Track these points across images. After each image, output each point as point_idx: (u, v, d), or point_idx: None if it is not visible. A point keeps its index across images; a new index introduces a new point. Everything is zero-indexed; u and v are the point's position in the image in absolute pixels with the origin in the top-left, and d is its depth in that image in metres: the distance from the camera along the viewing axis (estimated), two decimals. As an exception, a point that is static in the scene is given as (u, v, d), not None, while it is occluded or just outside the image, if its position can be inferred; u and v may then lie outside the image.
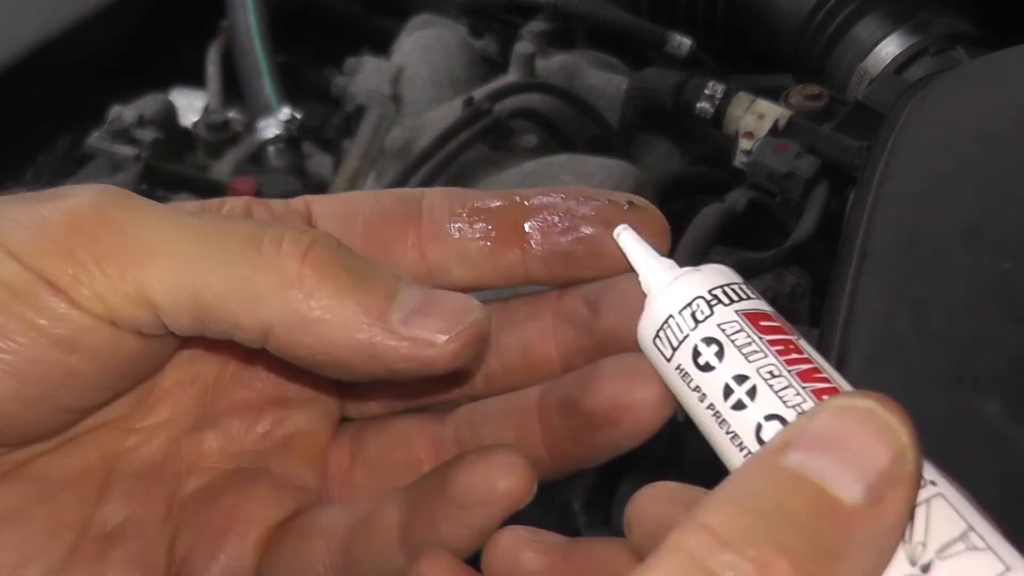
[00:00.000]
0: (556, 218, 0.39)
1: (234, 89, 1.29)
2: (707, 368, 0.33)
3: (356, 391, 0.44)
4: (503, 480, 0.36)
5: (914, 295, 0.61)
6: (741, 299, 0.34)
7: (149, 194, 1.07)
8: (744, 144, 1.02)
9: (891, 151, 0.73)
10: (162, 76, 1.32)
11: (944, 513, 0.28)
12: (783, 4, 1.20)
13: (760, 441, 0.31)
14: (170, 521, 0.41)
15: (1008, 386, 0.54)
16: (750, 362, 0.32)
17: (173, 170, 1.14)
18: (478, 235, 0.39)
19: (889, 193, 0.70)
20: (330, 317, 0.35)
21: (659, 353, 0.35)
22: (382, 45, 1.32)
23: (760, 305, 0.34)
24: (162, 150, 1.16)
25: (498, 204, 0.40)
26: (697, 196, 1.11)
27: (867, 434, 0.27)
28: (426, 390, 0.43)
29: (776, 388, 0.31)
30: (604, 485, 0.88)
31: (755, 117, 1.03)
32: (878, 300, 0.63)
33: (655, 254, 0.37)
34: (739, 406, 0.32)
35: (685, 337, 0.34)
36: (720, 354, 0.33)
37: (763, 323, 0.33)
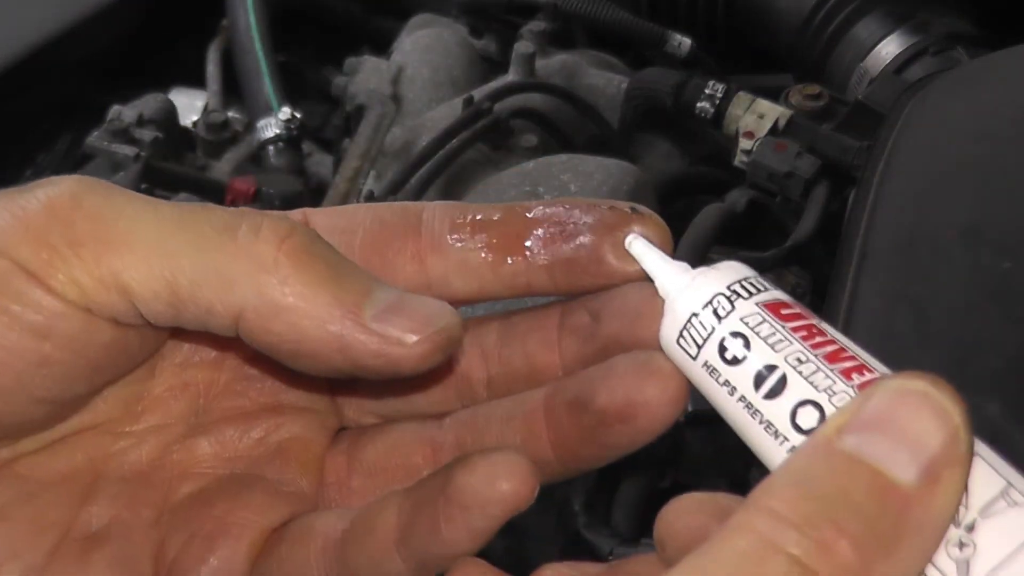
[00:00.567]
0: (558, 228, 0.39)
1: (234, 89, 1.28)
2: (735, 362, 0.34)
3: (353, 394, 0.44)
4: (506, 481, 0.36)
5: (914, 295, 0.61)
6: (759, 291, 0.35)
7: (149, 193, 1.08)
8: (744, 144, 1.02)
9: (891, 151, 0.73)
10: (162, 76, 1.32)
11: (983, 472, 0.29)
12: (783, 4, 1.20)
13: (796, 427, 0.32)
14: (159, 525, 0.40)
15: (1008, 386, 0.54)
16: (777, 351, 0.33)
17: (173, 170, 1.14)
18: (479, 245, 0.39)
19: (889, 193, 0.70)
20: (303, 306, 0.35)
21: (684, 353, 0.35)
22: (382, 45, 1.32)
23: (778, 295, 0.35)
24: (162, 150, 1.16)
25: (499, 216, 0.40)
26: (697, 196, 1.11)
27: (921, 416, 0.28)
28: (425, 395, 0.43)
29: (806, 374, 0.32)
30: (604, 485, 0.88)
31: (755, 117, 1.03)
32: (878, 300, 0.63)
33: (668, 258, 0.37)
34: (771, 395, 0.32)
35: (710, 334, 0.34)
36: (747, 347, 0.34)
37: (784, 311, 0.34)
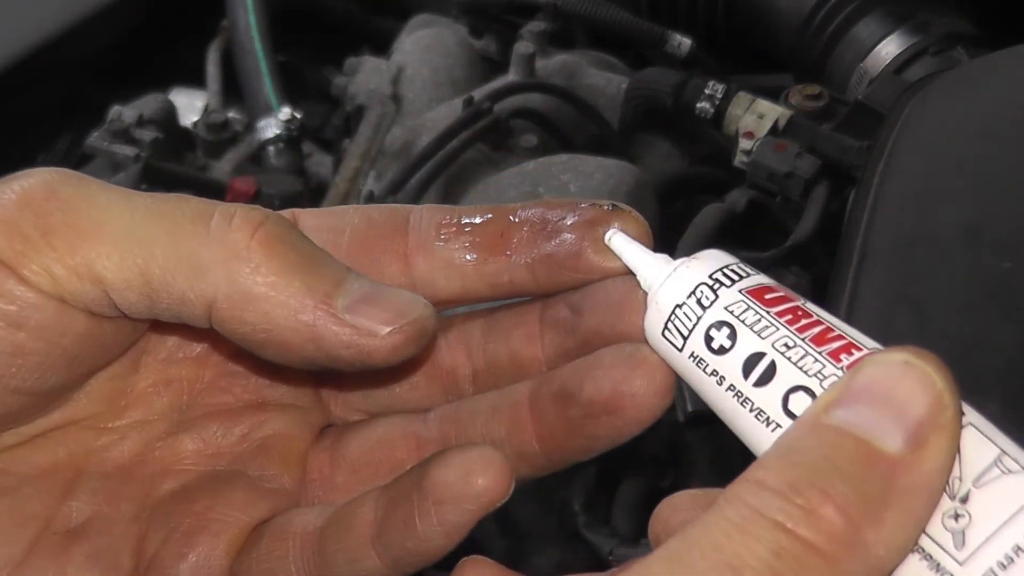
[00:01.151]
0: (540, 227, 0.39)
1: (234, 89, 1.29)
2: (721, 351, 0.34)
3: (338, 390, 0.44)
4: (480, 477, 0.36)
5: (914, 295, 0.61)
6: (742, 277, 0.35)
7: (149, 194, 1.08)
8: (744, 144, 1.02)
9: (891, 151, 0.73)
10: (162, 76, 1.32)
11: (975, 442, 0.29)
12: (783, 4, 1.20)
13: (789, 413, 0.32)
14: (140, 521, 0.41)
15: (1008, 386, 0.54)
16: (763, 338, 0.33)
17: (173, 170, 1.14)
18: (464, 245, 0.40)
19: (889, 193, 0.70)
20: (274, 294, 0.35)
21: (670, 345, 0.35)
22: (382, 45, 1.32)
23: (760, 279, 0.35)
24: (162, 150, 1.16)
25: (484, 218, 0.40)
26: (697, 196, 1.11)
27: (904, 385, 0.28)
28: (411, 391, 0.43)
29: (794, 359, 0.32)
30: (604, 485, 0.88)
31: (755, 117, 1.03)
32: (878, 300, 0.63)
33: (648, 251, 0.38)
34: (761, 383, 0.32)
35: (695, 324, 0.34)
36: (732, 335, 0.33)
37: (767, 296, 0.34)
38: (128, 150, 1.13)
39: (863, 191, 0.71)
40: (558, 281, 0.39)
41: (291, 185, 1.13)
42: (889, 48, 1.10)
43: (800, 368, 0.32)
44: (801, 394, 0.32)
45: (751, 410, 0.33)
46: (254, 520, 0.41)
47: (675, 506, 0.36)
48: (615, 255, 0.38)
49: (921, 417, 0.28)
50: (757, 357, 0.33)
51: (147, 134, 1.15)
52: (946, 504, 0.28)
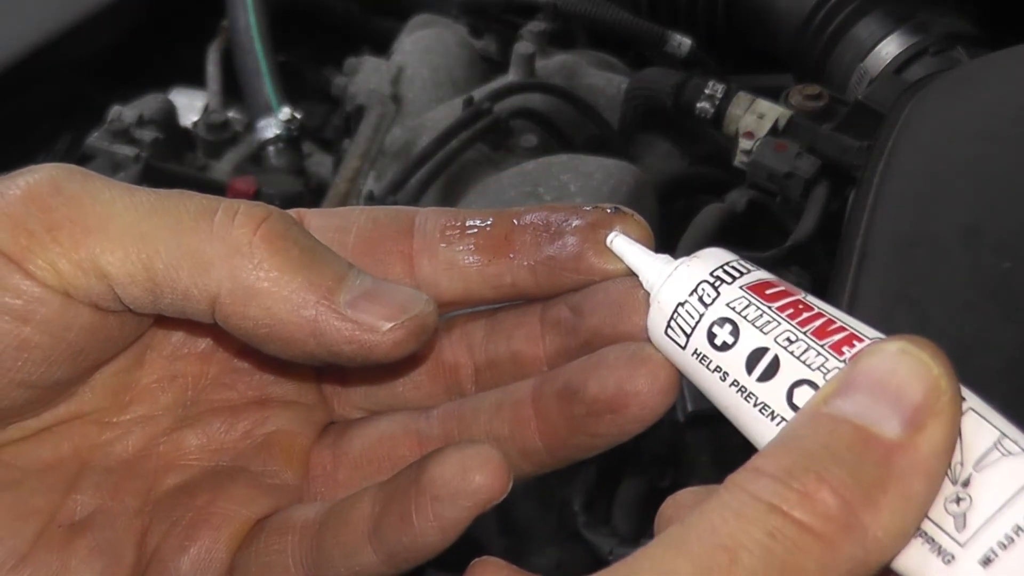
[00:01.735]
0: (543, 230, 0.39)
1: (234, 89, 1.29)
2: (725, 347, 0.34)
3: (341, 387, 0.44)
4: (478, 473, 0.36)
5: (914, 295, 0.61)
6: (743, 274, 0.35)
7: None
8: (744, 144, 1.02)
9: (891, 151, 0.73)
10: (162, 76, 1.32)
11: (976, 426, 0.29)
12: (783, 4, 1.20)
13: (794, 407, 0.32)
14: (143, 515, 0.41)
15: (1008, 386, 0.54)
16: (766, 333, 0.33)
17: (173, 170, 1.14)
18: (468, 248, 0.40)
19: (889, 193, 0.70)
20: (277, 290, 0.35)
21: (673, 343, 0.36)
22: (382, 45, 1.32)
23: (761, 275, 0.35)
24: (162, 150, 1.16)
25: (488, 221, 0.40)
26: (697, 196, 1.11)
27: (900, 372, 0.28)
28: (413, 389, 0.43)
29: (797, 353, 0.32)
30: (604, 485, 0.88)
31: (755, 117, 1.03)
32: (878, 300, 0.63)
33: (649, 252, 0.38)
34: (764, 377, 0.33)
35: (697, 322, 0.35)
36: (735, 331, 0.34)
37: (768, 291, 0.34)
38: (128, 150, 1.13)
39: (863, 191, 0.71)
40: (560, 283, 0.39)
41: (291, 185, 1.13)
42: (889, 48, 1.11)
43: (803, 362, 0.32)
44: (805, 388, 0.32)
45: (755, 405, 0.33)
46: (256, 515, 0.41)
47: (679, 503, 0.36)
48: (616, 257, 0.38)
49: (918, 403, 0.28)
50: (760, 352, 0.33)
51: (147, 134, 1.15)
52: (948, 489, 0.29)
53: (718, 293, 0.35)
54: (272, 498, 0.41)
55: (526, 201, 0.99)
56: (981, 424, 0.29)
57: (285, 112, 1.19)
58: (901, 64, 1.08)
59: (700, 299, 0.35)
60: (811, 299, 0.34)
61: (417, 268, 0.40)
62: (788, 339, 0.33)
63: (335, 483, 0.42)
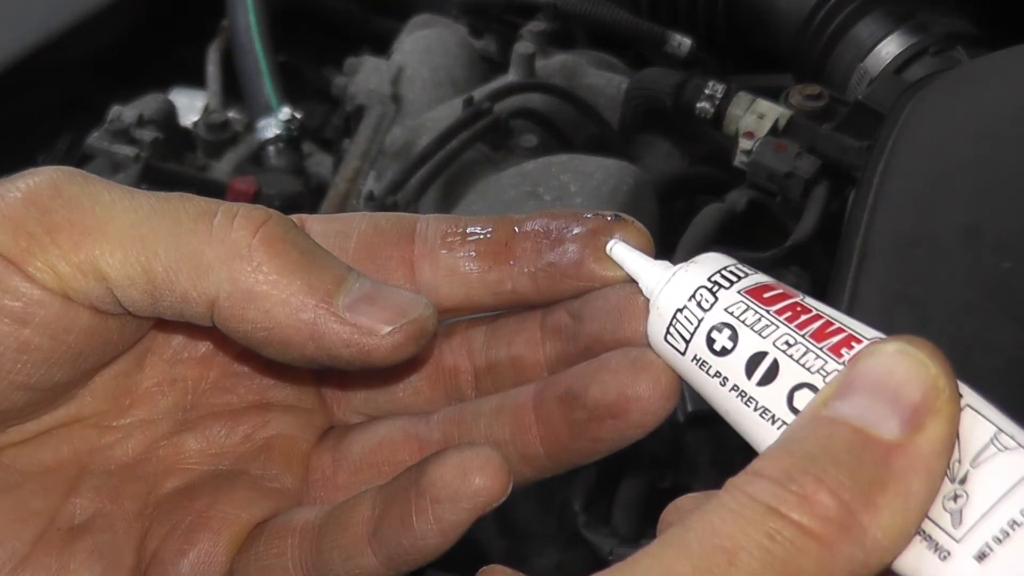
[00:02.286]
0: (543, 237, 0.39)
1: (234, 89, 1.29)
2: (724, 352, 0.34)
3: (341, 391, 0.44)
4: (478, 476, 0.36)
5: (914, 295, 0.61)
6: (740, 278, 0.35)
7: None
8: (744, 144, 1.02)
9: (891, 151, 0.73)
10: (162, 76, 1.32)
11: (973, 423, 0.29)
12: (783, 4, 1.20)
13: (794, 411, 0.32)
14: (143, 518, 0.41)
15: (1008, 386, 0.54)
16: (764, 337, 0.33)
17: (173, 170, 1.14)
18: (468, 254, 0.40)
19: (889, 193, 0.70)
20: (276, 293, 0.35)
21: (672, 349, 0.36)
22: (382, 45, 1.32)
23: (759, 278, 0.35)
24: (162, 150, 1.16)
25: (489, 228, 0.40)
26: (697, 196, 1.11)
27: (898, 373, 0.29)
28: (413, 394, 0.43)
29: (796, 356, 0.32)
30: (604, 485, 0.88)
31: (755, 117, 1.03)
32: (878, 300, 0.63)
33: (649, 258, 0.38)
34: (764, 381, 0.33)
35: (696, 328, 0.35)
36: (734, 336, 0.34)
37: (766, 295, 0.34)
38: (128, 150, 1.13)
39: (863, 191, 0.71)
40: (560, 290, 0.39)
41: (291, 185, 1.13)
42: (889, 48, 1.10)
43: (803, 365, 0.32)
44: (805, 391, 0.32)
45: (756, 409, 0.33)
46: (255, 519, 0.41)
47: (680, 508, 0.36)
48: (616, 264, 0.38)
49: (916, 403, 0.28)
50: (759, 357, 0.33)
51: (147, 134, 1.15)
52: (947, 487, 0.29)
53: (716, 298, 0.35)
54: (272, 502, 0.41)
55: (526, 201, 0.99)
56: (978, 421, 0.29)
57: (285, 112, 1.19)
58: (901, 64, 1.08)
59: (698, 304, 0.35)
60: (809, 301, 0.34)
61: (418, 274, 0.40)
62: (787, 343, 0.33)
63: (335, 487, 0.42)
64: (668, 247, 0.91)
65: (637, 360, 0.37)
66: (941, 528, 0.29)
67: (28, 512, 0.39)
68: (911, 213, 0.68)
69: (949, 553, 0.28)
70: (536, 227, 0.39)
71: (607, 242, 0.38)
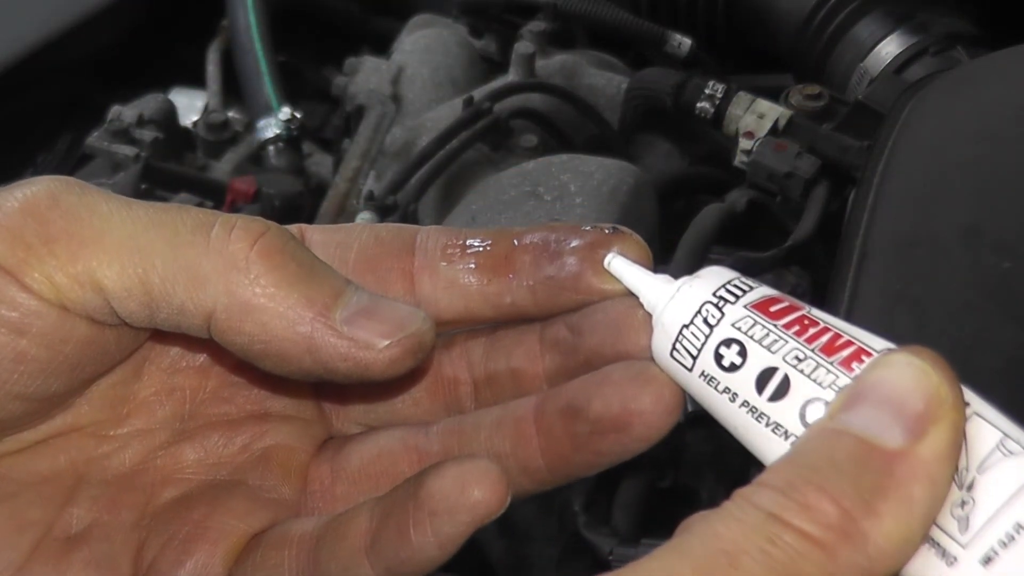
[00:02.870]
0: (543, 250, 0.39)
1: (234, 89, 1.29)
2: (733, 368, 0.34)
3: (340, 403, 0.44)
4: (476, 488, 0.36)
5: (914, 295, 0.61)
6: (745, 292, 0.35)
7: (149, 194, 1.08)
8: (744, 144, 1.02)
9: (891, 151, 0.73)
10: (162, 76, 1.32)
11: (979, 430, 0.30)
12: (783, 4, 1.20)
13: (807, 425, 0.32)
14: (140, 528, 0.41)
15: (1008, 386, 0.54)
16: (774, 352, 0.33)
17: (173, 170, 1.14)
18: (468, 266, 0.40)
19: (889, 193, 0.70)
20: (273, 305, 0.35)
21: (679, 366, 0.35)
22: (382, 45, 1.32)
23: (765, 291, 0.35)
24: (162, 150, 1.16)
25: (489, 241, 0.40)
26: (697, 196, 1.11)
27: (900, 383, 0.29)
28: (412, 406, 0.43)
29: (807, 371, 0.32)
30: (604, 485, 0.88)
31: (755, 117, 1.03)
32: (878, 300, 0.63)
33: (649, 272, 0.38)
34: (775, 397, 0.33)
35: (703, 344, 0.35)
36: (743, 352, 0.34)
37: (773, 308, 0.34)
38: (128, 150, 1.13)
39: (863, 191, 0.71)
40: (559, 303, 0.39)
41: (291, 185, 1.13)
42: (889, 48, 1.10)
43: (814, 380, 0.32)
44: (819, 405, 0.32)
45: (767, 425, 0.33)
46: (253, 529, 0.41)
47: (689, 524, 0.36)
48: (614, 278, 0.38)
49: (919, 412, 0.28)
50: (770, 372, 0.33)
51: (147, 134, 1.15)
52: (955, 494, 0.29)
53: (723, 314, 0.35)
54: (269, 512, 0.41)
55: (526, 200, 0.99)
56: (984, 427, 0.30)
57: (285, 112, 1.19)
58: (901, 64, 1.08)
59: (705, 320, 0.35)
60: (816, 313, 0.34)
61: (418, 286, 0.40)
62: (797, 357, 0.33)
63: (333, 498, 0.42)
64: (668, 247, 0.91)
65: (640, 374, 0.37)
66: (948, 534, 0.29)
67: (25, 522, 0.39)
68: (911, 213, 0.68)
69: (956, 558, 0.28)
70: (535, 240, 0.39)
71: (605, 255, 0.38)
